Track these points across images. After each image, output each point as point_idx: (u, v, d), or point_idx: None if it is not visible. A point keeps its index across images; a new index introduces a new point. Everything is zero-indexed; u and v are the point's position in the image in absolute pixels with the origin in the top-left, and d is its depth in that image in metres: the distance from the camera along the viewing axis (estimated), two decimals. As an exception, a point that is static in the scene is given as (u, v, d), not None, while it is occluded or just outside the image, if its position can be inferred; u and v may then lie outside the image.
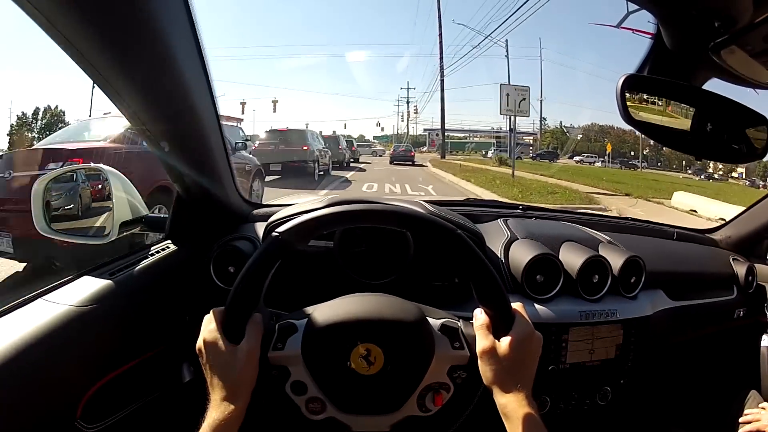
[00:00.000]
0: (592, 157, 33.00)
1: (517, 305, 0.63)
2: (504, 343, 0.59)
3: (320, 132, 15.38)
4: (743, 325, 1.28)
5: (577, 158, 33.59)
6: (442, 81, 32.23)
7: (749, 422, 1.11)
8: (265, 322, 0.63)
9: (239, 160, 6.53)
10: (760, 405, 1.14)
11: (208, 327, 0.61)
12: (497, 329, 0.61)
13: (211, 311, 0.63)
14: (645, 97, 0.67)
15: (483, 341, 0.60)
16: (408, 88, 46.21)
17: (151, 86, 0.68)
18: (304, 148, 11.82)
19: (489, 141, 41.16)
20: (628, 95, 0.62)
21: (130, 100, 0.69)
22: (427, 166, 20.59)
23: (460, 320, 0.65)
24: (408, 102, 41.23)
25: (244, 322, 0.61)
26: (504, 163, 21.26)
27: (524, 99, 15.40)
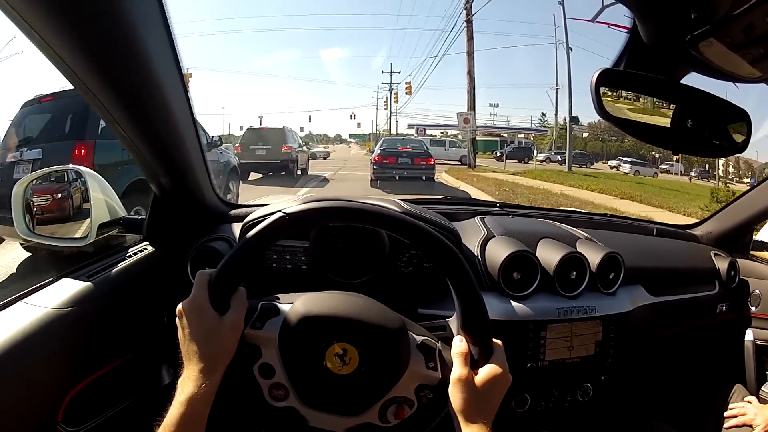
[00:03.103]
0: (644, 164, 23.28)
1: (497, 342, 0.64)
2: (479, 376, 0.60)
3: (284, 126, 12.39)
4: (726, 320, 1.28)
5: (613, 163, 25.29)
6: (468, 21, 17.24)
7: (735, 416, 1.12)
8: (248, 299, 0.63)
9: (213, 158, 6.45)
10: (746, 399, 1.15)
11: (197, 291, 0.60)
12: (475, 360, 0.62)
13: (198, 273, 0.61)
14: (624, 93, 0.67)
15: (459, 369, 0.61)
16: (391, 72, 32.66)
17: (125, 86, 0.67)
18: (284, 148, 11.36)
19: (491, 140, 34.01)
20: (603, 90, 0.61)
21: (105, 100, 0.69)
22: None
23: (440, 342, 0.65)
24: (391, 89, 30.94)
25: (230, 294, 0.60)
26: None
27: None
